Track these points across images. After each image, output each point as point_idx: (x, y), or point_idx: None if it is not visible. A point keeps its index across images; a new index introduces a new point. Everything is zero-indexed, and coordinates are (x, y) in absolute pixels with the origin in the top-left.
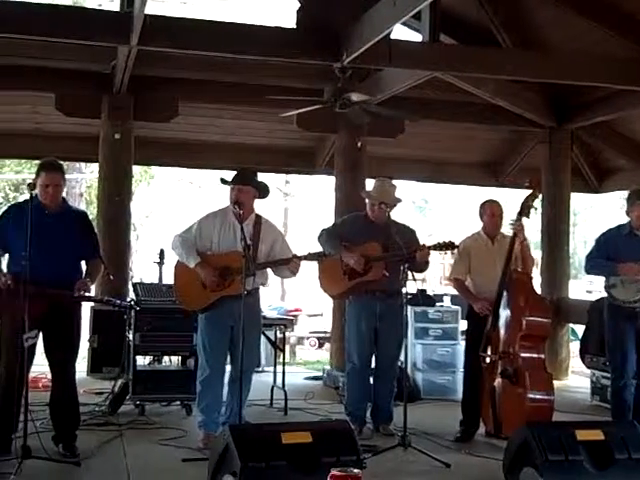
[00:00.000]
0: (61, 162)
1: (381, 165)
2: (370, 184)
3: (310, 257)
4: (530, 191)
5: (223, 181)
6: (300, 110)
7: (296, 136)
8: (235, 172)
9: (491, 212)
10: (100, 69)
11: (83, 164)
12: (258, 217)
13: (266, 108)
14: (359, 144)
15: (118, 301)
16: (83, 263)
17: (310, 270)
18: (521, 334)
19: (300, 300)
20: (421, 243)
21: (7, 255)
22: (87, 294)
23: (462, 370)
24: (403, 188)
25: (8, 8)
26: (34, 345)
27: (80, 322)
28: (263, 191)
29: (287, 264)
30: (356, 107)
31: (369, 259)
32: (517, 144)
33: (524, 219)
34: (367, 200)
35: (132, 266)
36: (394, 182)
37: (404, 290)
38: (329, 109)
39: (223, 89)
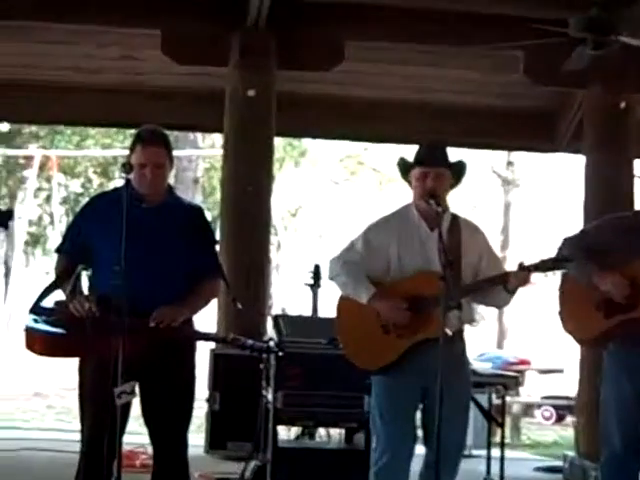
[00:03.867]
0: (166, 132)
1: None
2: None
3: (545, 266)
4: None
5: (403, 164)
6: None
7: (522, 94)
8: (419, 148)
9: None
10: None
11: (199, 135)
12: (454, 217)
13: (475, 49)
14: (622, 105)
15: (250, 342)
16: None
17: (542, 299)
18: None
19: (528, 347)
20: None
21: (91, 270)
22: (174, 325)
23: None
24: None
25: None
26: (129, 403)
27: (194, 373)
28: (460, 175)
29: (507, 281)
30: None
31: None
32: None
33: None
34: None
35: (272, 289)
36: None
37: None
38: (571, 51)
39: (409, 21)
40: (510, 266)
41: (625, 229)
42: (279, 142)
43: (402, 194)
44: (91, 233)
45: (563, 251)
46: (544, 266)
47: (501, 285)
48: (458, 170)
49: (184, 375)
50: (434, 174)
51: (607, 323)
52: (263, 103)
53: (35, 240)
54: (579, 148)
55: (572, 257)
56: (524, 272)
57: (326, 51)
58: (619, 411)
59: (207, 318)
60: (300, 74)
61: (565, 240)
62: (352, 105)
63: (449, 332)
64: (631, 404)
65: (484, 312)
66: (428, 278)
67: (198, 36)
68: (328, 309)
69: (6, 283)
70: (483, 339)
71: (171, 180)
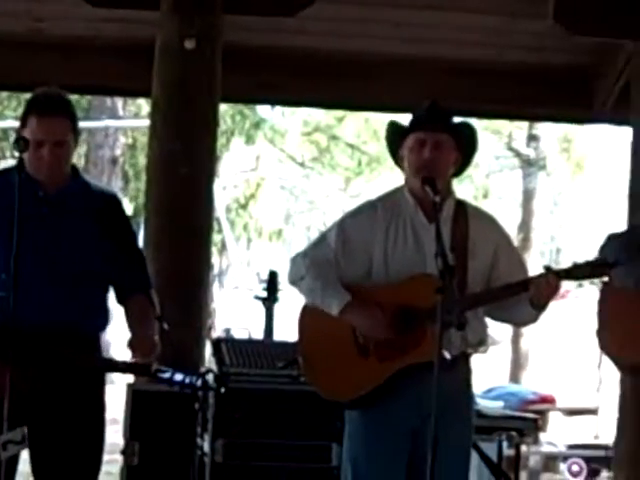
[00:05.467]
0: (71, 96)
1: None
2: None
3: (581, 273)
4: None
5: (392, 128)
6: None
7: (551, 47)
8: (416, 110)
9: None
10: None
11: (119, 101)
12: (460, 205)
13: None
14: None
15: (180, 375)
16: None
17: (573, 317)
18: None
19: (552, 381)
20: None
21: None
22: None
23: None
24: None
25: None
26: (16, 457)
27: (104, 415)
28: (467, 146)
29: (528, 290)
30: None
31: None
32: None
33: None
34: None
35: (213, 305)
36: None
37: None
38: None
39: None
40: (532, 273)
41: None
42: (226, 110)
43: (389, 178)
44: None
45: (606, 252)
46: (579, 273)
47: (525, 296)
48: (464, 137)
49: (90, 419)
50: (433, 142)
51: None
52: (205, 58)
53: None
54: (625, 118)
55: (618, 261)
56: (551, 279)
57: None
58: None
59: (121, 342)
60: (255, 20)
61: (609, 238)
62: (323, 62)
63: (447, 356)
64: None
65: (501, 333)
66: (424, 284)
67: None
68: (287, 330)
69: None
70: (492, 370)
71: (80, 161)
